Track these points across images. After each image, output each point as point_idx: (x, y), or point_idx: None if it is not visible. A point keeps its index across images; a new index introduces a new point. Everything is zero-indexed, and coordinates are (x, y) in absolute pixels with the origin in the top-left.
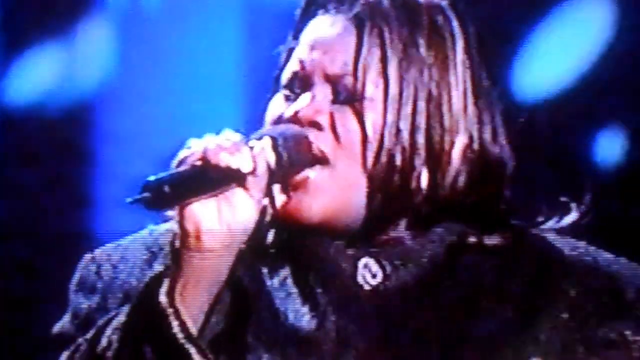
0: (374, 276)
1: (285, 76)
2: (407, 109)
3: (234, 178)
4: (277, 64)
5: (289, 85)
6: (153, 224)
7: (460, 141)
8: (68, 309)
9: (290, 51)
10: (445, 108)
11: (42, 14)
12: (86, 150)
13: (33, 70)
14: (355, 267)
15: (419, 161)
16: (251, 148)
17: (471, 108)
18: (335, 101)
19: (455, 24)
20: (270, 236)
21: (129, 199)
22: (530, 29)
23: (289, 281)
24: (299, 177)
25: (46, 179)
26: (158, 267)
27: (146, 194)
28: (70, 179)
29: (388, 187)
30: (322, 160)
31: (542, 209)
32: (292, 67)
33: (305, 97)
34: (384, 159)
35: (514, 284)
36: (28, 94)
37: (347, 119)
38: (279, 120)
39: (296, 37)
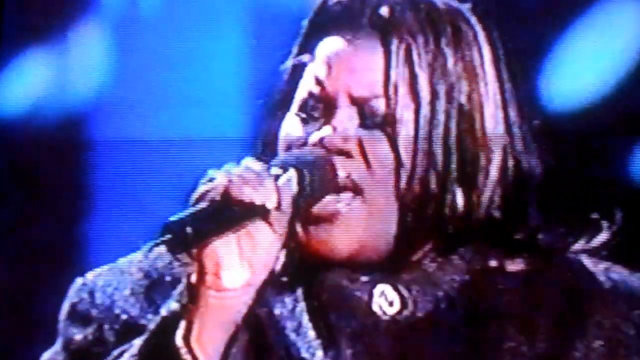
0: (391, 304)
1: (301, 96)
2: (439, 130)
3: (258, 213)
4: (283, 78)
5: (305, 106)
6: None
7: (496, 157)
8: (58, 338)
9: (299, 67)
10: (477, 124)
11: (34, 19)
12: (81, 163)
13: (23, 78)
14: (371, 295)
15: (453, 183)
16: (275, 178)
17: (502, 120)
18: (363, 125)
19: (478, 29)
20: (283, 263)
21: (150, 244)
22: (560, 35)
23: (298, 309)
24: (328, 210)
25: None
26: (173, 305)
27: (168, 236)
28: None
29: (421, 214)
30: (352, 189)
31: (571, 228)
32: (309, 86)
33: (331, 123)
34: (417, 185)
35: (541, 313)
36: (18, 103)
37: (377, 145)
38: (299, 145)
39: (306, 52)
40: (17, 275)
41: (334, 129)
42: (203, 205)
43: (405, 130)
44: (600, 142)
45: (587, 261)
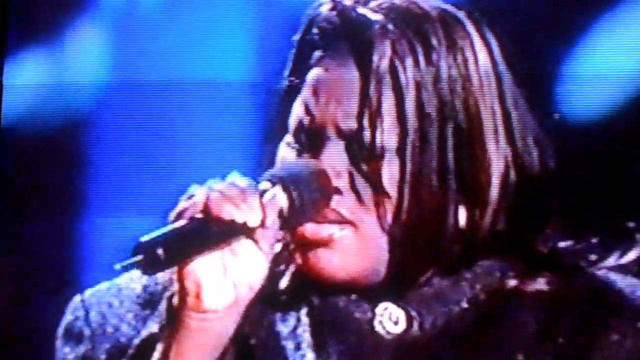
0: (395, 323)
1: (293, 124)
2: (432, 152)
3: (241, 231)
4: (278, 99)
5: (297, 137)
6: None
7: (498, 170)
8: (55, 355)
9: (292, 89)
10: (476, 138)
11: (31, 17)
12: (81, 163)
13: (20, 78)
14: (373, 313)
15: (453, 205)
16: (261, 193)
17: (504, 133)
18: (351, 159)
19: (474, 35)
20: (284, 282)
21: (118, 265)
22: (571, 36)
23: (300, 330)
24: (323, 233)
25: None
26: (152, 326)
27: (138, 257)
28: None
29: (412, 243)
30: (344, 223)
31: (600, 243)
32: (299, 114)
33: (319, 158)
34: (404, 217)
35: (562, 337)
36: (16, 103)
37: (366, 177)
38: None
39: (297, 72)
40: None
41: (325, 166)
42: (180, 223)
43: (391, 160)
44: (624, 148)
45: (616, 276)
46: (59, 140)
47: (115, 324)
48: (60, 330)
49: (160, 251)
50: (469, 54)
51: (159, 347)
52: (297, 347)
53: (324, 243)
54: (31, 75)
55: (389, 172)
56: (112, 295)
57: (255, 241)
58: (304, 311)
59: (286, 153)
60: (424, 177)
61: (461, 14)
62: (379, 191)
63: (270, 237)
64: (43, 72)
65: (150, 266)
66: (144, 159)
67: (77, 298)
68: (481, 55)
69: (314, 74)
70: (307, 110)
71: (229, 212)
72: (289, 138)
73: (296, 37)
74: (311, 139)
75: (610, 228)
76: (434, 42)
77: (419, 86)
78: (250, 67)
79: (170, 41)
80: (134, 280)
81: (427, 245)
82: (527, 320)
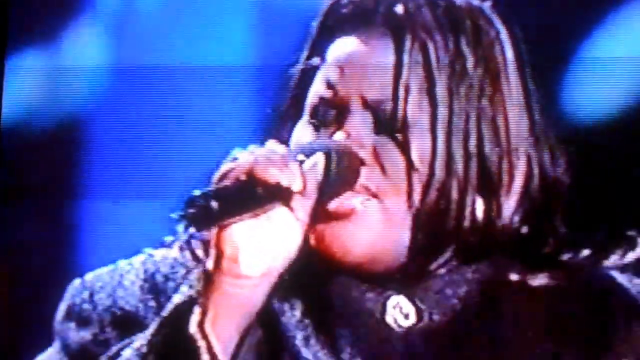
0: (406, 317)
1: (312, 102)
2: (459, 134)
3: (281, 196)
4: (291, 83)
5: (317, 112)
6: (150, 248)
7: (521, 164)
8: (55, 340)
9: (309, 71)
10: (501, 129)
11: (25, 19)
12: (76, 168)
13: (14, 82)
14: (384, 307)
15: (472, 193)
16: (300, 163)
17: (527, 125)
18: (377, 131)
19: (501, 28)
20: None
21: (173, 214)
22: (590, 35)
23: (307, 320)
24: (345, 205)
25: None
26: (187, 291)
27: (192, 210)
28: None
29: (436, 225)
30: (368, 194)
31: (602, 242)
32: (320, 91)
33: (344, 129)
34: (433, 194)
35: (568, 330)
36: (9, 108)
37: (392, 151)
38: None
39: (316, 55)
40: (13, 277)
41: (348, 134)
42: (227, 182)
43: (419, 134)
44: (632, 152)
45: (618, 275)
46: (58, 138)
47: (123, 304)
48: (62, 314)
49: (214, 204)
50: (495, 46)
51: (196, 310)
52: (307, 337)
53: (346, 215)
54: (28, 77)
55: (418, 147)
56: (116, 279)
57: (292, 209)
58: (306, 298)
59: (303, 132)
60: (453, 158)
61: (486, 6)
62: (408, 165)
63: (307, 206)
64: (39, 72)
65: (203, 219)
66: (145, 145)
67: (77, 281)
68: (507, 49)
69: (337, 49)
70: (329, 85)
71: (274, 176)
72: (306, 116)
73: (317, 20)
74: (334, 113)
75: (611, 233)
76: (461, 26)
77: (449, 67)
78: (251, 50)
79: (169, 26)
80: (135, 266)
81: (449, 231)
82: (533, 313)
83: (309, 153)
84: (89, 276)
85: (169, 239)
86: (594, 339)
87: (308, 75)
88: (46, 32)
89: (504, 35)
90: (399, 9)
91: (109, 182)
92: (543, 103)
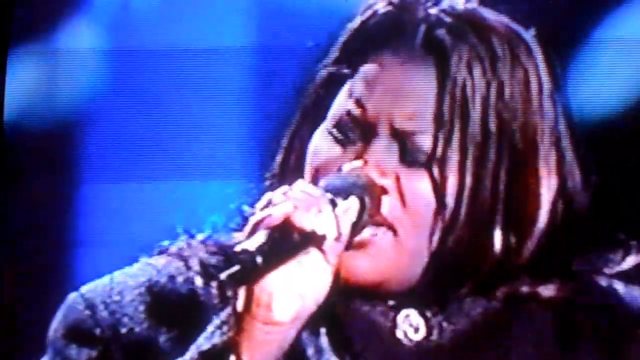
0: (416, 330)
1: (337, 112)
2: (488, 171)
3: (313, 242)
4: (315, 81)
5: (341, 126)
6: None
7: (546, 202)
8: (51, 356)
9: (337, 77)
10: (529, 165)
11: (38, 20)
12: (71, 171)
13: (17, 71)
14: (394, 321)
15: (497, 228)
16: (333, 205)
17: (555, 158)
18: (402, 160)
19: (539, 58)
20: None
21: (222, 275)
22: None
23: (321, 336)
24: (365, 235)
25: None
26: (216, 332)
27: (237, 269)
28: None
29: (457, 260)
30: (384, 225)
31: (602, 250)
32: (347, 105)
33: (367, 153)
34: (459, 231)
35: (578, 342)
36: (5, 109)
37: (415, 182)
38: (329, 167)
39: (345, 62)
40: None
41: (372, 161)
42: (265, 232)
43: (448, 169)
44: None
45: (622, 286)
46: (58, 136)
47: (127, 322)
48: (60, 329)
49: (259, 259)
50: (532, 76)
51: (232, 358)
52: (320, 351)
53: (361, 244)
54: (32, 74)
55: (446, 182)
56: (117, 292)
57: (324, 253)
58: (324, 316)
59: (322, 142)
60: (480, 194)
61: (526, 34)
62: (437, 201)
63: (339, 249)
64: (43, 70)
65: (249, 276)
66: (145, 129)
67: (72, 295)
68: (544, 80)
69: (370, 67)
70: (358, 103)
71: (311, 223)
72: (328, 126)
73: (351, 25)
74: (359, 132)
75: (610, 239)
76: (500, 53)
77: (485, 101)
78: (250, 31)
79: (168, 9)
80: (136, 279)
81: (469, 266)
82: (543, 326)
83: (340, 192)
84: (87, 289)
85: (165, 243)
86: (604, 350)
87: (335, 81)
88: (47, 20)
89: (542, 65)
90: (442, 33)
91: (110, 166)
92: (573, 130)
